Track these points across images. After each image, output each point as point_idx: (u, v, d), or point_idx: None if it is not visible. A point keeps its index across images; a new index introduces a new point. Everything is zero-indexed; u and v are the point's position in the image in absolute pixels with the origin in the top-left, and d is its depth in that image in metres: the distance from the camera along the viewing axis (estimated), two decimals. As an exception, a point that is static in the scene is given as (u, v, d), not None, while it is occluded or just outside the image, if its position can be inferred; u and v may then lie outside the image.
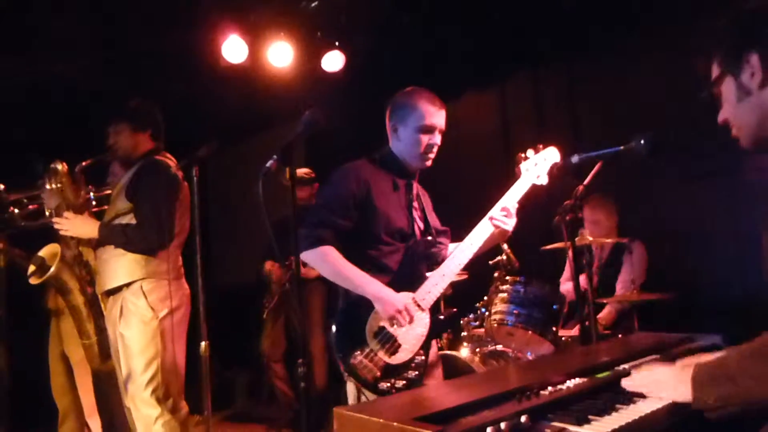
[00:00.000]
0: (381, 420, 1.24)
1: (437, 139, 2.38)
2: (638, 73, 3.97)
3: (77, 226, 2.88)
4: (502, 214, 2.38)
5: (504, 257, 3.48)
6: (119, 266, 2.83)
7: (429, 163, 2.42)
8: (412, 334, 2.21)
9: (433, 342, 2.40)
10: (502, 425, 1.23)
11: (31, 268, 3.05)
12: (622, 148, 1.92)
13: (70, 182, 2.95)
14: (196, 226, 2.48)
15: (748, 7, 1.41)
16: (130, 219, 2.84)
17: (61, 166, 2.93)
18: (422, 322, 2.24)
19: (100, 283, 2.92)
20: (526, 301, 3.15)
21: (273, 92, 5.26)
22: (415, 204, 2.45)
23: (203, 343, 2.45)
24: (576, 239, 2.60)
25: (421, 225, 2.45)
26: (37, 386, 4.31)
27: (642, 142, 1.84)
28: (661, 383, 1.39)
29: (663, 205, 3.80)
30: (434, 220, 2.57)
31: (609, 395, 1.47)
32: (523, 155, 2.47)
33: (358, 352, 2.15)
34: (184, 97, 5.32)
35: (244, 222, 5.91)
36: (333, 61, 5.04)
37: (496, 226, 2.36)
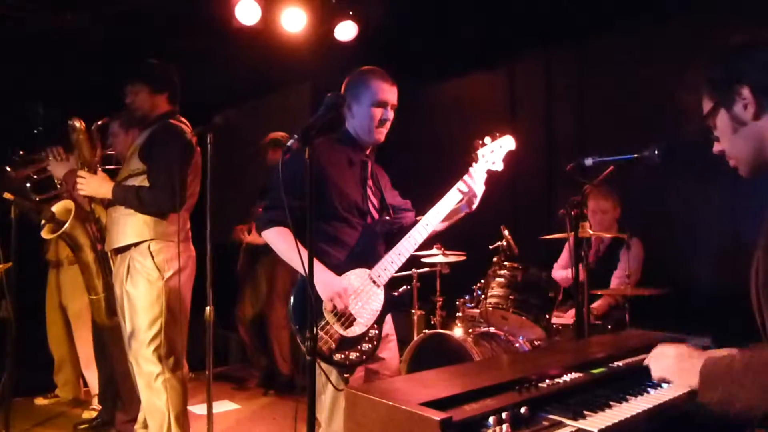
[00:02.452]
0: (390, 402, 1.31)
1: (390, 114, 2.43)
2: (650, 62, 3.97)
3: (94, 186, 2.90)
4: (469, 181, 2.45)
5: (504, 243, 3.55)
6: (128, 226, 2.87)
7: (382, 137, 2.45)
8: (367, 309, 2.28)
9: (388, 317, 2.48)
10: (503, 415, 1.30)
11: (43, 221, 3.08)
12: (636, 156, 1.97)
13: (87, 140, 2.96)
14: (207, 192, 2.52)
15: (734, 40, 1.45)
16: (143, 179, 2.87)
17: (79, 124, 2.94)
18: (377, 298, 2.30)
19: (110, 241, 2.96)
20: (523, 287, 3.23)
21: (283, 57, 5.24)
22: (370, 182, 2.49)
23: (208, 308, 2.53)
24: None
25: (376, 203, 2.50)
26: (36, 335, 4.40)
27: (656, 151, 1.88)
28: (665, 363, 1.47)
29: (661, 202, 3.85)
30: (394, 199, 2.62)
31: (604, 391, 1.54)
32: (480, 142, 2.54)
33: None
34: (193, 55, 5.28)
35: (244, 182, 5.92)
36: (346, 30, 5.02)
37: (464, 192, 2.43)
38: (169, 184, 2.78)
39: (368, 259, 2.34)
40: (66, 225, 2.95)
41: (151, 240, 2.86)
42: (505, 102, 4.99)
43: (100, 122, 3.03)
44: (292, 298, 2.27)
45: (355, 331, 2.25)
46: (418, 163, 4.88)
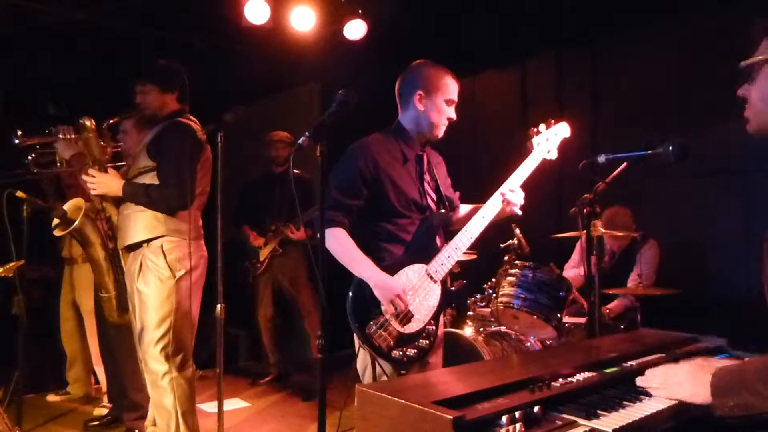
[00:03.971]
0: (402, 401, 1.30)
1: (454, 114, 2.47)
2: (660, 63, 3.94)
3: (105, 184, 2.91)
4: (511, 191, 2.43)
5: (515, 241, 3.53)
6: (140, 222, 2.87)
7: (441, 134, 2.48)
8: (424, 305, 2.28)
9: (440, 319, 2.47)
10: (516, 414, 1.29)
11: (55, 220, 3.09)
12: (649, 152, 1.94)
13: (97, 138, 2.97)
14: (218, 190, 2.52)
15: None
16: (152, 176, 2.87)
17: (89, 122, 2.94)
18: (434, 294, 2.30)
19: (122, 239, 2.96)
20: (534, 286, 3.21)
21: (292, 56, 5.24)
22: (427, 177, 2.48)
23: (219, 306, 2.53)
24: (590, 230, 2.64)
25: (434, 196, 2.49)
26: (49, 331, 4.44)
27: (670, 148, 1.86)
28: (677, 384, 1.44)
29: (673, 203, 3.82)
30: (446, 190, 2.60)
31: (617, 391, 1.53)
32: (534, 130, 2.51)
33: (373, 322, 2.21)
34: (202, 54, 5.30)
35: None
36: (355, 29, 5.00)
37: (507, 201, 2.41)
38: (177, 181, 2.78)
39: (426, 254, 2.33)
40: (76, 222, 2.96)
41: (163, 237, 2.86)
42: (516, 100, 4.98)
43: (111, 121, 3.03)
44: (349, 296, 2.25)
45: (412, 327, 2.25)
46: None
